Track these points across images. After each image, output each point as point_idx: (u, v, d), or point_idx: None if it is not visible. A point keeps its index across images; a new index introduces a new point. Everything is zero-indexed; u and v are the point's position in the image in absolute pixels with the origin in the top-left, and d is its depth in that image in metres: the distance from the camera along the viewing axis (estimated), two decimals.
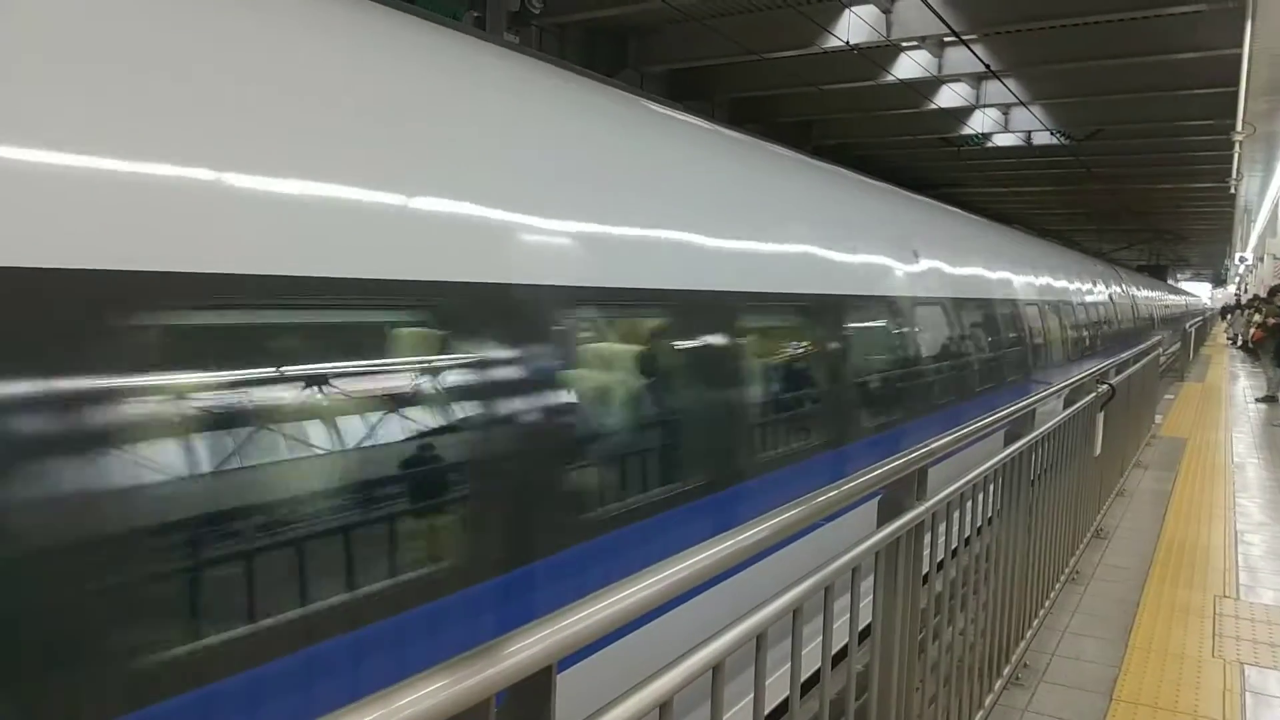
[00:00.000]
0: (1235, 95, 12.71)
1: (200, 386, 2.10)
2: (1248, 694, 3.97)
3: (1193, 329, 25.10)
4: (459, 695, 1.16)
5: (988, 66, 14.73)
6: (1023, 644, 4.14)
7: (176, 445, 2.06)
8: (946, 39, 15.22)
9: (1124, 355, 8.06)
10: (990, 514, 3.49)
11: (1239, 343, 28.45)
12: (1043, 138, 22.31)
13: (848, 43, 14.14)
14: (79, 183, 1.88)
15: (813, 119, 22.02)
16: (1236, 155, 17.50)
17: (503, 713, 1.28)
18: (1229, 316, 39.23)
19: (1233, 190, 23.24)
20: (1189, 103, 18.55)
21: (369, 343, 2.62)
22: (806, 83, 16.96)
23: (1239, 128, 13.88)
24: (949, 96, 18.87)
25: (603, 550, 3.20)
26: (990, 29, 14.61)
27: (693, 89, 18.07)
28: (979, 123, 21.49)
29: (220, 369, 2.16)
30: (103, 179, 1.92)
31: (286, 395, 2.33)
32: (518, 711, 1.34)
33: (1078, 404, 5.14)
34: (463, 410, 2.74)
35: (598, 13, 14.22)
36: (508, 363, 2.87)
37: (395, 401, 2.58)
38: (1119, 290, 19.42)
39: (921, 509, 2.68)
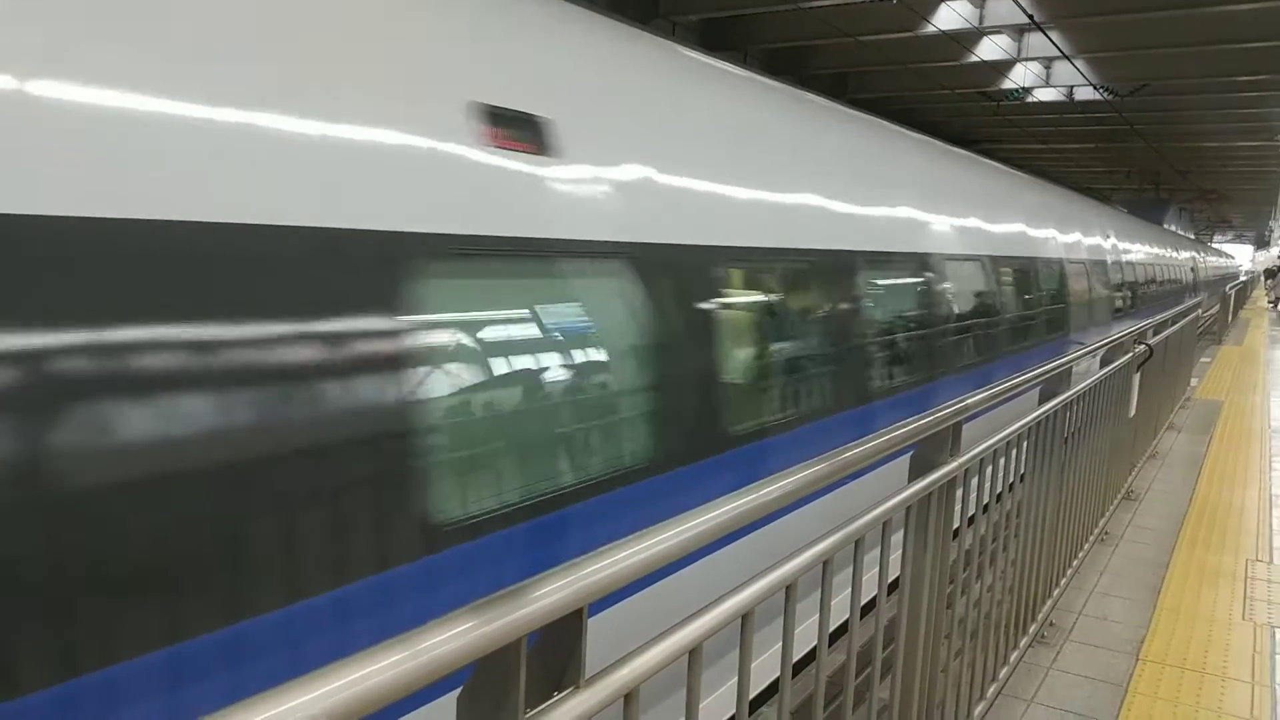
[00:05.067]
0: None
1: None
2: (1277, 657, 3.94)
3: (1232, 291, 24.53)
4: (489, 636, 1.16)
5: (1031, 18, 14.28)
6: (1049, 602, 4.13)
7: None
8: None
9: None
10: (1022, 471, 3.46)
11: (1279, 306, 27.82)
12: (1085, 93, 21.68)
13: None
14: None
15: (849, 71, 21.55)
16: None
17: (533, 655, 1.28)
18: (1273, 279, 38.24)
19: None
20: (1239, 57, 17.91)
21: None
22: (843, 33, 16.56)
23: None
24: (990, 49, 18.36)
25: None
26: None
27: (726, 39, 17.72)
28: (1020, 76, 20.92)
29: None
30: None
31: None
32: (548, 654, 1.34)
33: (1114, 364, 5.05)
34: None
35: None
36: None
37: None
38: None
39: (954, 465, 2.65)
